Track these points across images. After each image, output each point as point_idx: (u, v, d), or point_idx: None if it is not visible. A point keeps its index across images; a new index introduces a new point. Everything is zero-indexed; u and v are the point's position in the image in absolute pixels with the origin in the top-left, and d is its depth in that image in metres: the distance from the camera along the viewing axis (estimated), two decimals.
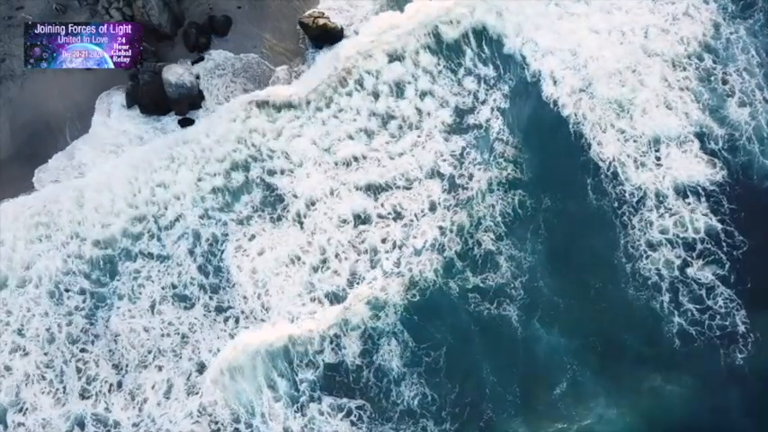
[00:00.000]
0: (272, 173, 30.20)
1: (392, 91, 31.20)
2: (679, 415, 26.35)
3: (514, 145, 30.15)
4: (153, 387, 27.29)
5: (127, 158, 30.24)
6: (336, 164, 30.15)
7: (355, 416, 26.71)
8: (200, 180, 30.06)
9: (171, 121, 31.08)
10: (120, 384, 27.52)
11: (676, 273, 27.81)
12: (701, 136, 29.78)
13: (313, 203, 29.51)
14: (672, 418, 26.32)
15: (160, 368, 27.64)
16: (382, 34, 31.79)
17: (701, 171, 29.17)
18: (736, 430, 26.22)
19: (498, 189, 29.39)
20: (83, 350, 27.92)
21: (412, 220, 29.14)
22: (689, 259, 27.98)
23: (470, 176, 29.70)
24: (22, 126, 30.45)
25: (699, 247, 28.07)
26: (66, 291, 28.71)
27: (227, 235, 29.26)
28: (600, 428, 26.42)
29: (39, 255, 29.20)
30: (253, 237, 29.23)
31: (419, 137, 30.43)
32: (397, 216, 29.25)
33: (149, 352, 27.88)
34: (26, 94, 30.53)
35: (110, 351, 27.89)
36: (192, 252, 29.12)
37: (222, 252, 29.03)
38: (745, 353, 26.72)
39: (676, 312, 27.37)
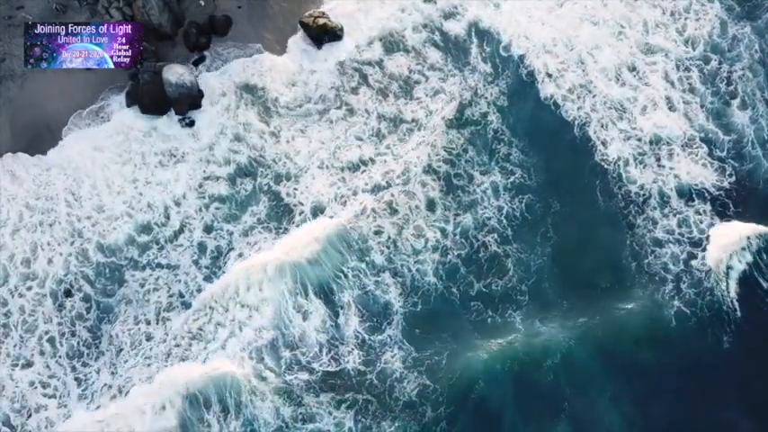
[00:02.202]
0: (277, 178, 30.22)
1: (399, 87, 31.69)
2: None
3: (518, 146, 30.55)
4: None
5: (92, 133, 30.47)
6: (343, 169, 30.31)
7: (361, 407, 26.91)
8: (201, 186, 30.11)
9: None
10: (120, 390, 27.63)
11: (681, 266, 28.31)
12: (704, 137, 30.34)
13: (321, 211, 29.57)
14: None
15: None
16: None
17: (704, 172, 29.73)
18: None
19: (503, 191, 29.79)
20: (84, 364, 27.77)
21: (408, 218, 29.46)
22: (694, 252, 28.50)
23: (473, 178, 30.07)
24: (22, 126, 30.54)
25: (704, 244, 28.64)
26: (68, 294, 28.66)
27: (231, 244, 29.28)
28: (596, 412, 26.87)
29: (40, 248, 29.15)
30: (255, 243, 29.32)
31: (424, 137, 30.73)
32: (393, 212, 29.55)
33: (148, 363, 27.99)
34: (26, 94, 30.65)
35: (112, 364, 27.80)
36: (197, 263, 29.04)
37: (225, 264, 29.00)
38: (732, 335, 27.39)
39: (677, 299, 27.86)
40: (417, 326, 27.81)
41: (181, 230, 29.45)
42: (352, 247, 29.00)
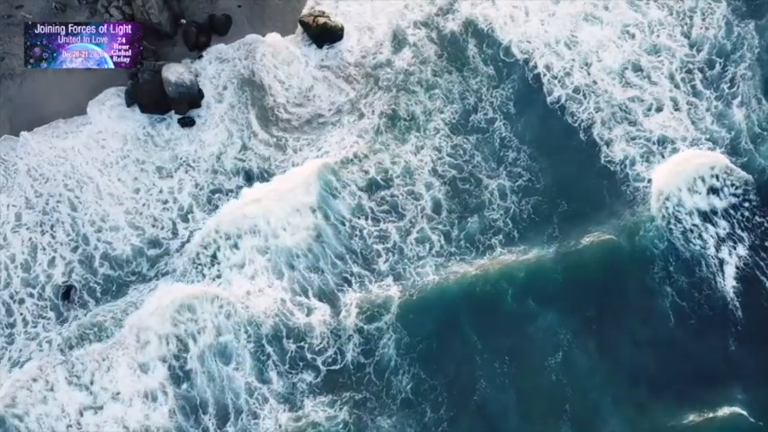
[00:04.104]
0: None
1: (400, 87, 32.17)
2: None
3: (523, 147, 31.06)
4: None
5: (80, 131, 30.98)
6: (343, 163, 30.81)
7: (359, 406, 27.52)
8: (209, 201, 30.47)
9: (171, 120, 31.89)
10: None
11: (680, 253, 29.22)
12: (709, 137, 30.86)
13: (320, 208, 30.07)
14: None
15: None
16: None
17: (708, 169, 30.25)
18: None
19: (509, 193, 30.33)
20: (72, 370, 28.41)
21: (413, 223, 29.95)
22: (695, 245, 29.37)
23: (478, 181, 30.54)
24: (21, 125, 31.11)
25: (707, 238, 29.37)
26: (66, 296, 29.05)
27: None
28: (594, 403, 27.48)
29: (42, 249, 29.57)
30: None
31: (424, 138, 31.24)
32: (400, 218, 30.06)
33: None
34: (26, 94, 31.22)
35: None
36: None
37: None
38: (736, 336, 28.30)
39: (674, 292, 28.72)
40: (413, 312, 28.53)
41: (188, 241, 29.92)
42: (355, 251, 29.66)
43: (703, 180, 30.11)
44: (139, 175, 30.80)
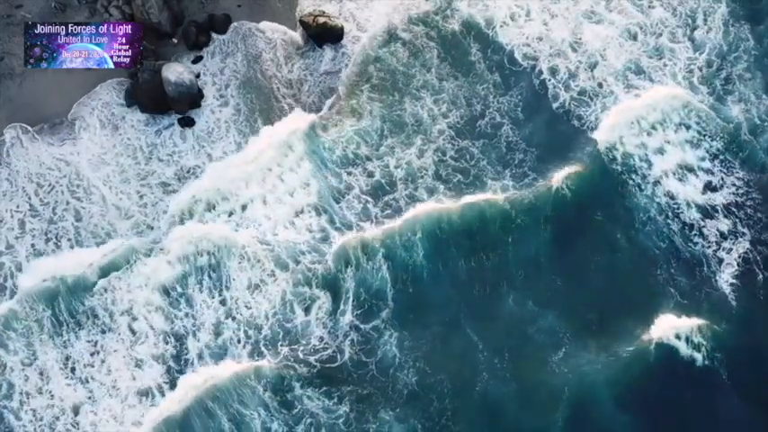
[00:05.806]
0: None
1: (403, 88, 32.59)
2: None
3: (530, 149, 31.56)
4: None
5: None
6: (343, 164, 31.22)
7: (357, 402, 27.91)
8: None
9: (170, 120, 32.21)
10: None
11: (677, 248, 29.90)
12: (708, 131, 31.58)
13: (325, 210, 30.42)
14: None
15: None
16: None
17: (709, 167, 31.16)
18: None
19: (510, 192, 30.81)
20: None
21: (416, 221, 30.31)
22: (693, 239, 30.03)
23: (482, 183, 30.95)
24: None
25: (708, 235, 30.06)
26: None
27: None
28: (592, 396, 27.94)
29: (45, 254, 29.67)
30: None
31: (428, 141, 31.63)
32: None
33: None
34: (25, 94, 31.49)
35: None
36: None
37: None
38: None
39: (673, 289, 29.44)
40: (410, 310, 29.05)
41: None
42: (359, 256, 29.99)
43: (692, 170, 30.95)
44: (141, 188, 30.92)
